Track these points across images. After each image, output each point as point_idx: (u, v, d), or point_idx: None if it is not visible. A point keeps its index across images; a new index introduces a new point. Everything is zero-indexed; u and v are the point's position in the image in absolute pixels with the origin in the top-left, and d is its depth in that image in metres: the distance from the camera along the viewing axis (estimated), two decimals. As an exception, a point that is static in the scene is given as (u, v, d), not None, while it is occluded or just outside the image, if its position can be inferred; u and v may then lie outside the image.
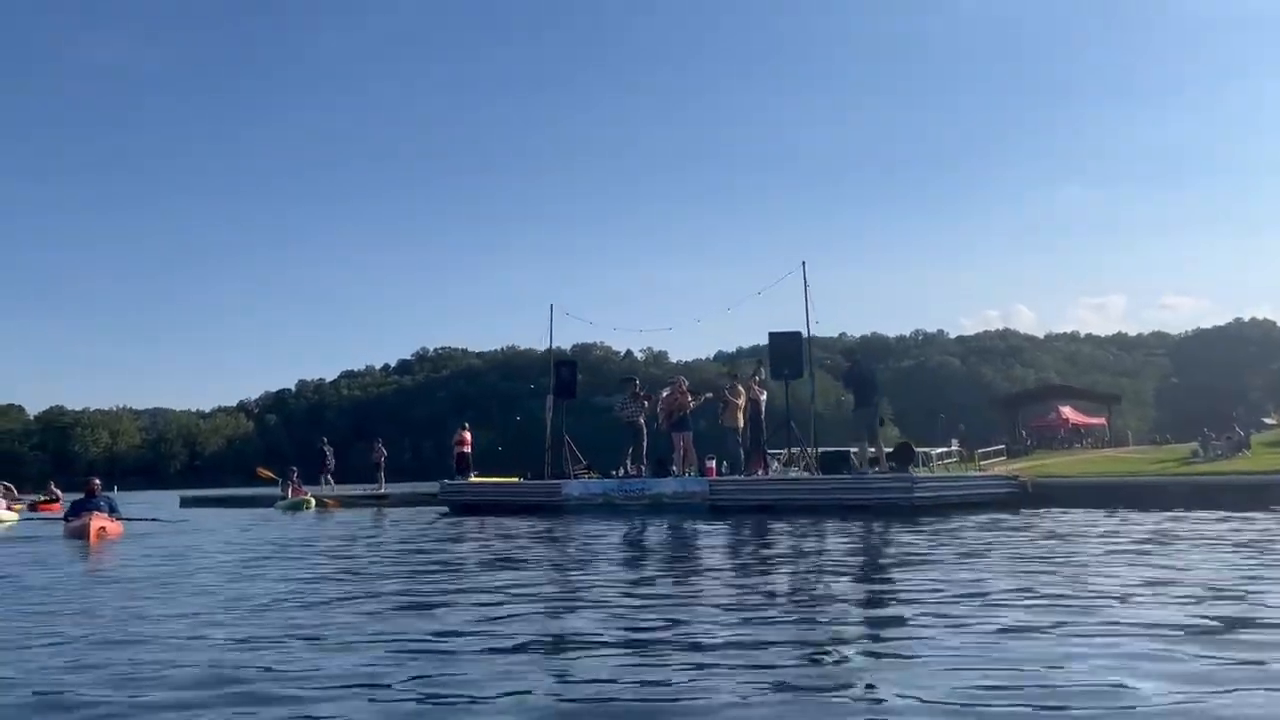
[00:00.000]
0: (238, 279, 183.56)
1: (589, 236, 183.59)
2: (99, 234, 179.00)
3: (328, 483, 25.75)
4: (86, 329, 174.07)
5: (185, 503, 28.53)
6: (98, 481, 15.04)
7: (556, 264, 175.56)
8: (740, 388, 17.13)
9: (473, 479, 19.61)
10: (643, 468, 17.52)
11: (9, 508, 24.35)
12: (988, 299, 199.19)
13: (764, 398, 17.45)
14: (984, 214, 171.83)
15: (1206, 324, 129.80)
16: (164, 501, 27.66)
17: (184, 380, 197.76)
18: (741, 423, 17.06)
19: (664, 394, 17.59)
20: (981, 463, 28.32)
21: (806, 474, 16.55)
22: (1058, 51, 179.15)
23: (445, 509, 18.82)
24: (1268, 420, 41.60)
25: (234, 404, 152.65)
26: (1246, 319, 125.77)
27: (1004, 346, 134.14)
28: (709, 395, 18.12)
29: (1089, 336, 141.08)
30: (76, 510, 14.39)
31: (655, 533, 11.54)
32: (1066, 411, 49.65)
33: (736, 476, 16.75)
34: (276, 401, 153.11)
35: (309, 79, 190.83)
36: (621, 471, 18.34)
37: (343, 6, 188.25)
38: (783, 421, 16.85)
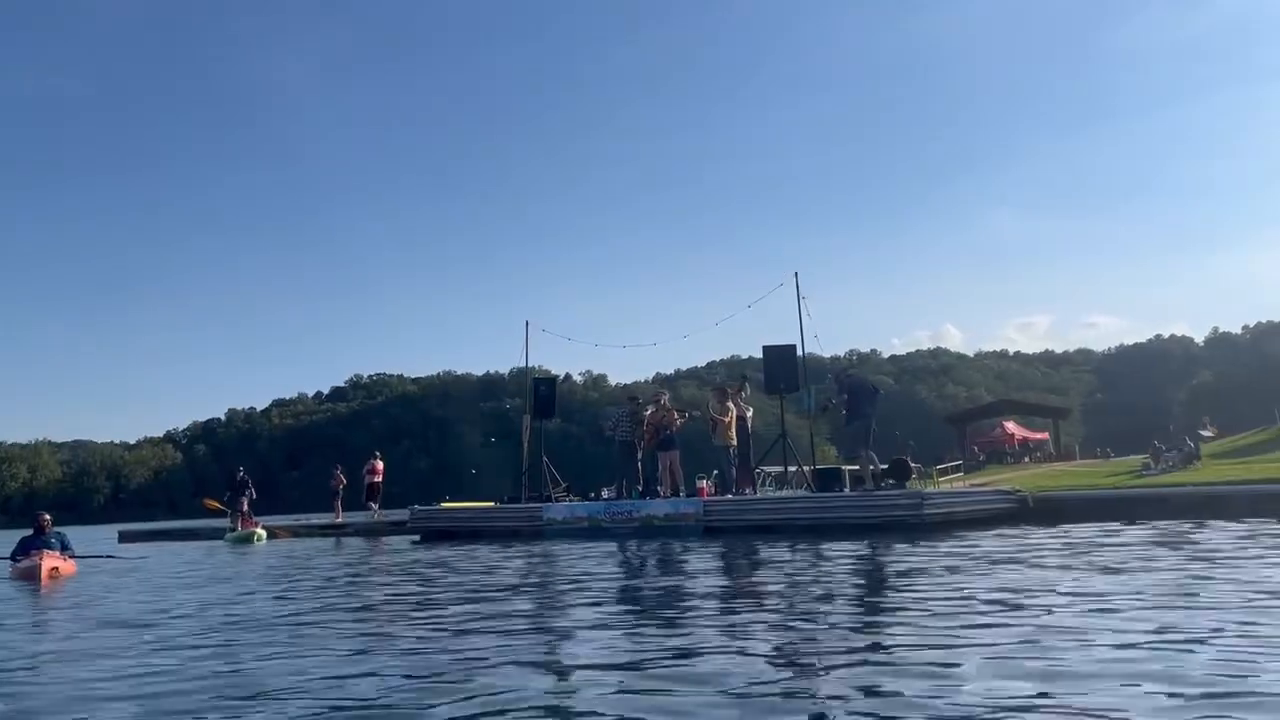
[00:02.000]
0: (162, 307, 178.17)
1: (531, 263, 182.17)
2: (13, 260, 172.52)
3: (246, 513, 24.06)
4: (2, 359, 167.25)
5: (124, 537, 26.85)
6: (48, 516, 13.70)
7: (495, 288, 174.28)
8: (729, 405, 16.50)
9: (444, 504, 18.57)
10: (636, 489, 16.69)
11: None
12: (918, 319, 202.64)
13: (750, 414, 16.85)
14: (913, 236, 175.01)
15: (1129, 341, 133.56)
16: (95, 538, 25.94)
17: (107, 411, 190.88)
18: (733, 440, 16.42)
19: (648, 412, 16.87)
20: (939, 480, 28.14)
21: (802, 492, 15.94)
22: (985, 79, 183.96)
23: (416, 537, 17.82)
24: (1204, 432, 42.40)
25: (161, 434, 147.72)
26: (1166, 335, 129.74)
27: (936, 365, 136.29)
28: (695, 413, 17.46)
29: (1017, 354, 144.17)
30: (25, 548, 13.06)
31: (663, 559, 10.76)
32: (1011, 427, 50.07)
33: (727, 496, 16.06)
34: (205, 431, 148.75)
35: (235, 104, 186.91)
36: (608, 494, 17.55)
37: (260, 33, 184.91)
38: (777, 438, 16.17)
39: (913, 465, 16.16)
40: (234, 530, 23.13)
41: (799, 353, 16.32)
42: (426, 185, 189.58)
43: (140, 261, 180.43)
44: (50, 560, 12.13)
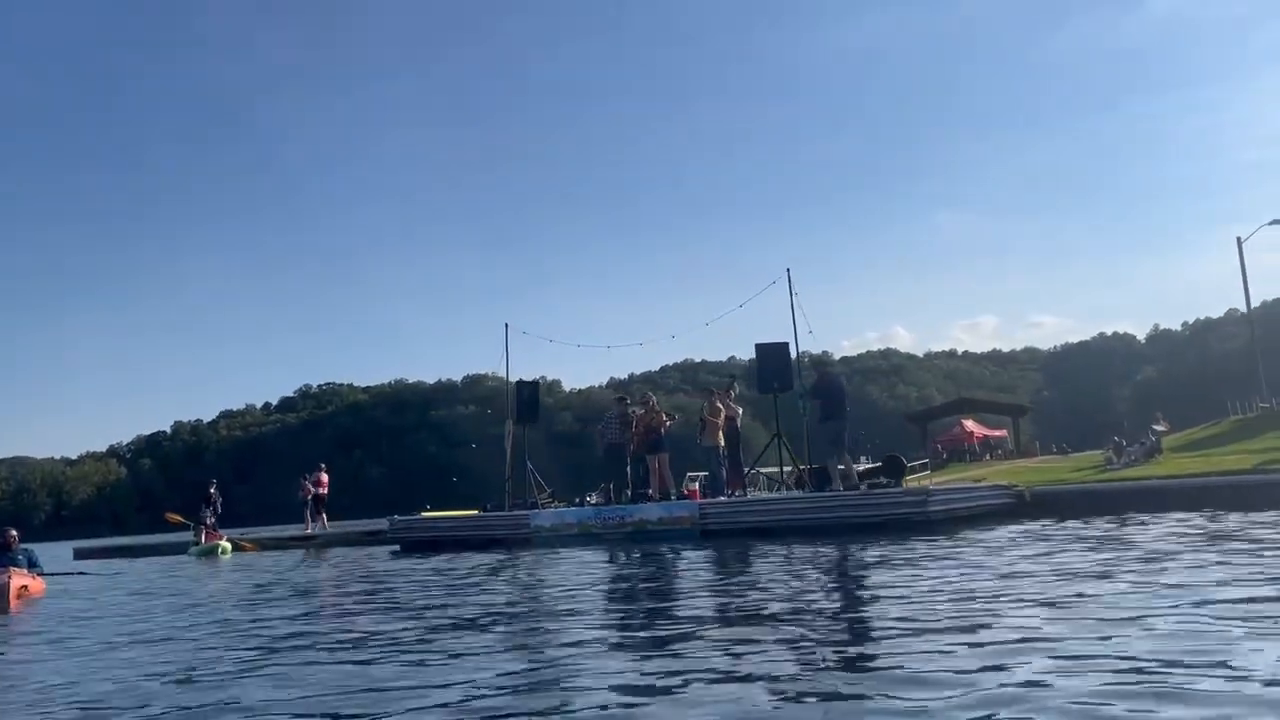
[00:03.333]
0: (103, 315, 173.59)
1: (486, 269, 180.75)
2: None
3: (211, 526, 23.35)
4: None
5: (80, 554, 25.79)
6: (14, 532, 12.87)
7: (446, 298, 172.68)
8: (718, 405, 16.16)
9: (425, 513, 17.99)
10: (626, 493, 16.25)
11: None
12: (866, 320, 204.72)
13: (740, 414, 16.53)
14: (860, 238, 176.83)
15: (1073, 339, 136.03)
16: (46, 556, 24.78)
17: (46, 427, 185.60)
18: (721, 441, 16.08)
19: (637, 414, 16.47)
20: (909, 478, 28.10)
21: (798, 492, 15.63)
22: (928, 82, 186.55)
23: (396, 547, 17.21)
24: (1156, 427, 43.08)
25: (104, 449, 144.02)
26: (1109, 333, 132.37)
27: (886, 365, 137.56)
28: (675, 417, 17.12)
29: (966, 354, 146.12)
30: (-10, 566, 12.30)
31: (673, 565, 10.36)
32: (970, 425, 50.42)
33: (720, 498, 15.69)
34: (150, 445, 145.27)
35: (182, 105, 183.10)
36: (595, 499, 17.11)
37: (217, 40, 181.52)
38: (772, 438, 15.82)
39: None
40: (198, 544, 22.34)
41: (793, 350, 16.04)
42: (380, 191, 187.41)
43: (78, 268, 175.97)
44: (19, 579, 11.38)
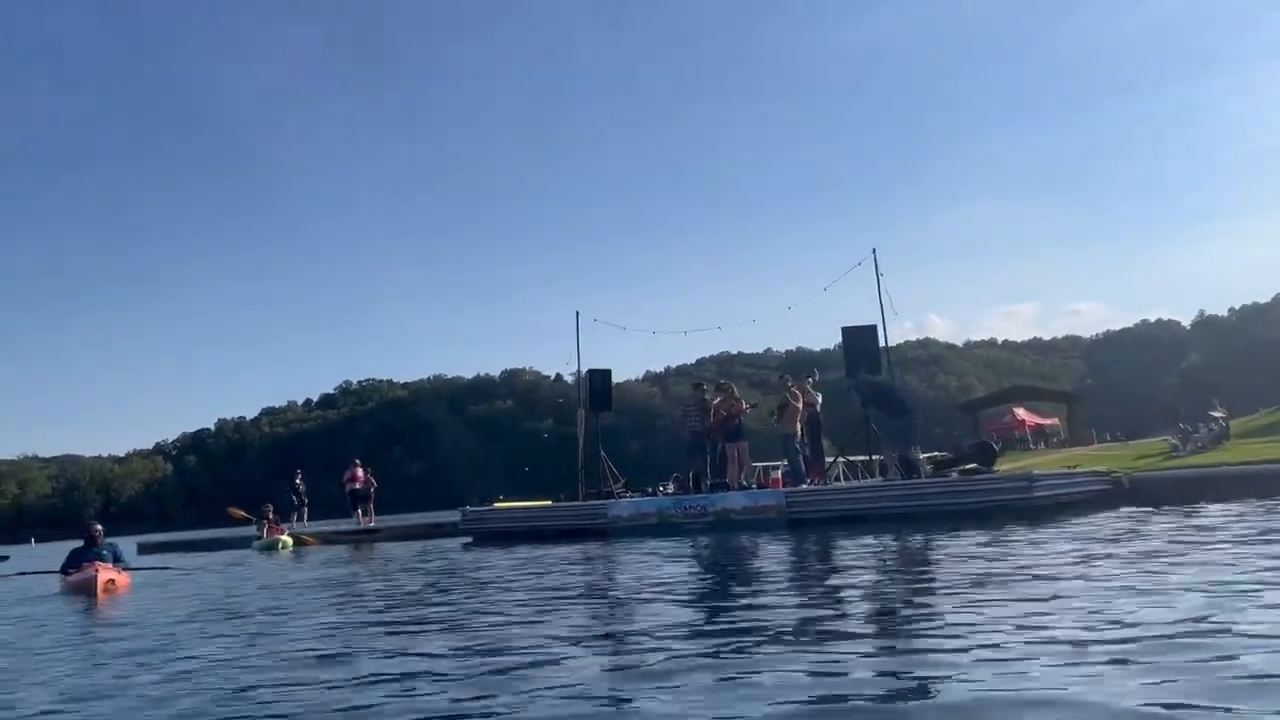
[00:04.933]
0: (149, 317, 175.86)
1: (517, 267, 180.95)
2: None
3: (273, 520, 23.31)
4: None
5: (143, 549, 25.74)
6: (99, 527, 12.72)
7: (482, 289, 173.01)
8: (797, 391, 15.69)
9: (498, 504, 17.65)
10: (706, 483, 15.81)
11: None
12: (902, 310, 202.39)
13: (820, 402, 16.04)
14: (895, 228, 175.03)
15: (1115, 327, 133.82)
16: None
17: (95, 425, 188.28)
18: (800, 429, 15.62)
19: (715, 401, 16.03)
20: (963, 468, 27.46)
21: (881, 479, 15.15)
22: (957, 72, 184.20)
23: (467, 539, 16.90)
24: (1215, 413, 42.06)
25: (150, 446, 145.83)
26: (1153, 320, 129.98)
27: (925, 355, 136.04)
28: (755, 403, 16.69)
29: (1006, 343, 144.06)
30: (76, 560, 12.12)
31: (788, 555, 9.92)
32: (1021, 413, 49.48)
33: (802, 486, 15.21)
34: (195, 442, 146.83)
35: (215, 114, 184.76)
36: (672, 488, 16.70)
37: (241, 50, 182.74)
38: (860, 425, 15.28)
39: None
40: (260, 538, 22.21)
41: (881, 334, 15.52)
42: (416, 189, 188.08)
43: (124, 272, 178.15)
44: (105, 573, 11.18)
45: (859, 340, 15.33)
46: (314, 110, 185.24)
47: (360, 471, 25.01)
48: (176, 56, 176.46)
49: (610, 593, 7.13)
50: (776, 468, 16.99)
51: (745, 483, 15.70)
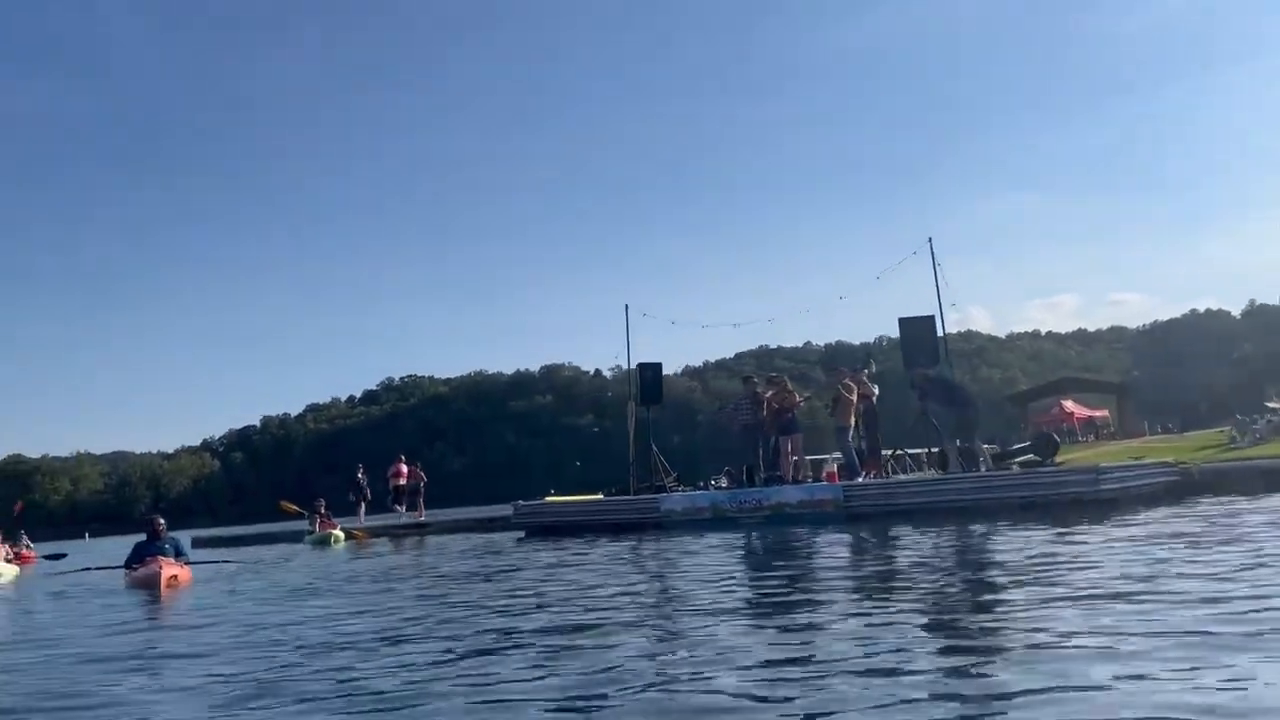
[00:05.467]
0: (194, 317, 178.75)
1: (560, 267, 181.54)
2: (45, 277, 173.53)
3: (325, 515, 23.47)
4: (38, 375, 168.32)
5: (197, 544, 26.06)
6: (162, 521, 12.80)
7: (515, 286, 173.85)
8: (851, 383, 15.46)
9: (550, 498, 17.63)
10: (759, 476, 15.64)
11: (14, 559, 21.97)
12: (948, 301, 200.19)
13: (876, 393, 15.80)
14: (930, 221, 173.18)
15: (1162, 317, 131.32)
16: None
17: (145, 422, 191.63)
18: (855, 421, 15.38)
19: (768, 394, 15.84)
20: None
21: (939, 473, 14.87)
22: (994, 62, 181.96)
23: (520, 534, 16.86)
24: (1270, 404, 41.06)
25: (198, 443, 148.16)
26: (1201, 310, 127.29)
27: (968, 348, 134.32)
28: (808, 396, 16.48)
29: (1050, 334, 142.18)
30: (139, 554, 12.21)
31: (850, 548, 9.74)
32: (1069, 405, 48.69)
33: (858, 480, 14.98)
34: (241, 439, 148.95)
35: (250, 110, 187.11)
36: (725, 482, 16.57)
37: (280, 37, 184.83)
38: (917, 417, 15.01)
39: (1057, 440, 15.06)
40: (313, 532, 22.38)
41: (938, 325, 15.23)
42: (454, 187, 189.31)
43: (168, 272, 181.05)
44: (169, 568, 11.26)
45: (916, 331, 15.06)
46: (370, 100, 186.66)
47: (404, 467, 25.21)
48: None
49: (720, 583, 6.95)
50: (830, 461, 16.76)
51: (800, 476, 15.52)
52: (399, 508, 24.77)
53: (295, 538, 23.47)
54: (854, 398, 15.27)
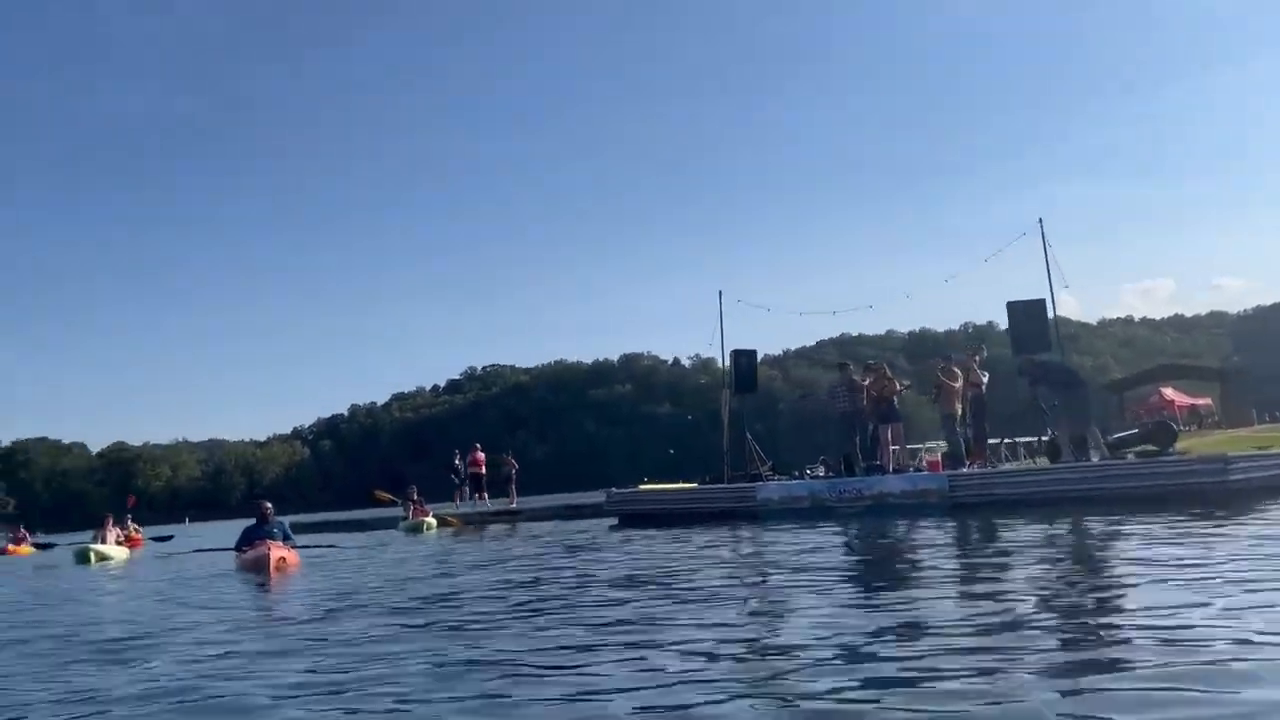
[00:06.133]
0: (280, 308, 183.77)
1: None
2: (145, 274, 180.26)
3: (418, 501, 23.71)
4: (140, 363, 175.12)
5: (294, 529, 26.64)
6: (269, 505, 13.08)
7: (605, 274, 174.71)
8: (956, 369, 15.01)
9: (643, 486, 17.56)
10: (859, 465, 15.31)
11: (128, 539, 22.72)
12: (1029, 291, 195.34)
13: (985, 381, 15.29)
14: (1011, 209, 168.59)
15: (1265, 301, 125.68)
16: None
17: (238, 410, 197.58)
18: (959, 409, 14.93)
19: (867, 382, 15.49)
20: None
21: (1049, 461, 14.34)
22: (1078, 44, 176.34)
23: (613, 521, 16.81)
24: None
25: (288, 431, 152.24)
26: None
27: (1061, 334, 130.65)
28: (908, 384, 16.08)
29: (1144, 320, 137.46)
30: (249, 538, 12.48)
31: (980, 539, 9.39)
32: (1169, 393, 46.85)
33: (963, 470, 14.54)
34: (329, 427, 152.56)
35: (334, 105, 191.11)
36: (822, 471, 16.29)
37: (337, 35, 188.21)
38: (1029, 405, 14.49)
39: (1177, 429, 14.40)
40: (406, 519, 22.68)
41: (1049, 308, 14.66)
42: (531, 180, 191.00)
43: (260, 264, 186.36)
44: (277, 550, 11.45)
45: (1026, 315, 14.51)
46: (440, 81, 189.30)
47: (481, 455, 25.44)
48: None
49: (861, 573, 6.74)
50: (929, 449, 16.34)
51: (902, 464, 15.14)
52: (480, 496, 25.01)
53: (387, 524, 23.85)
54: (958, 384, 14.83)
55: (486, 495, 25.33)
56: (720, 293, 18.19)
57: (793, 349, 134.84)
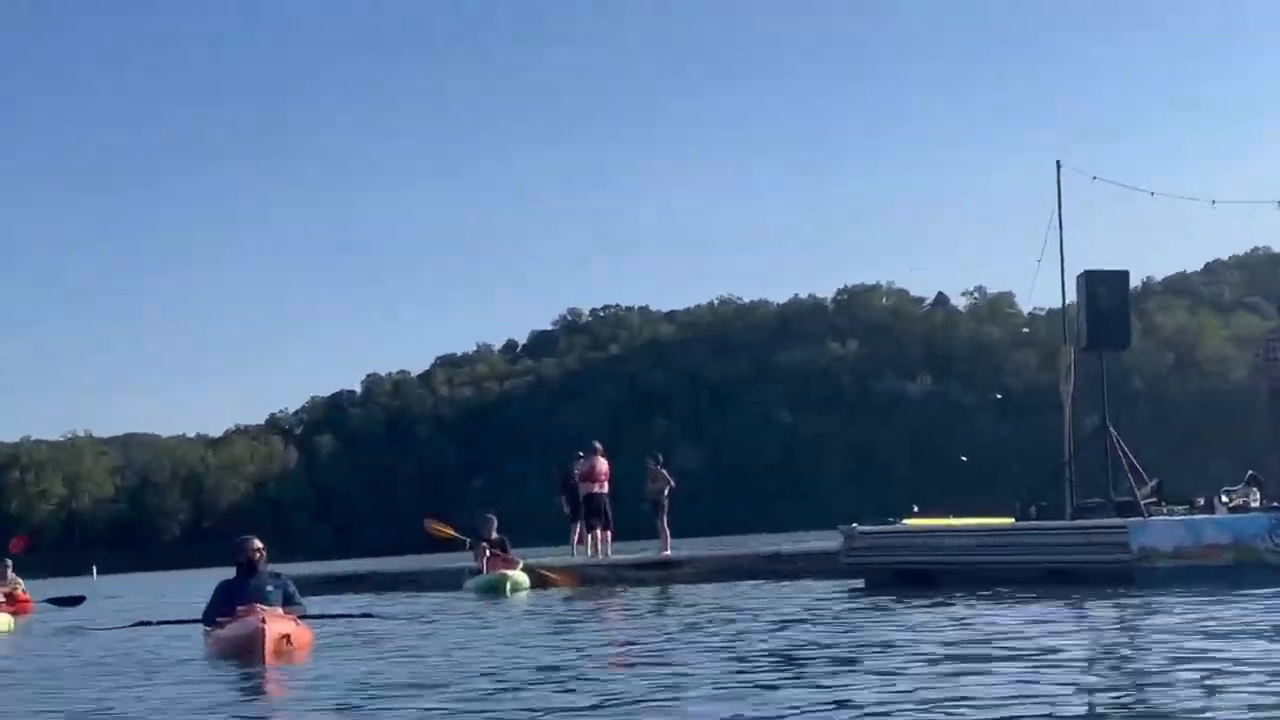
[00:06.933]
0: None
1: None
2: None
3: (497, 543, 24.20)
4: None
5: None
6: (260, 547, 13.31)
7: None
8: None
9: (910, 521, 17.38)
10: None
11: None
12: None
13: None
14: None
15: None
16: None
17: (174, 386, 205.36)
18: None
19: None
20: None
21: None
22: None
23: (857, 582, 16.68)
24: None
25: (262, 421, 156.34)
26: None
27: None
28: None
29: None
30: (229, 597, 12.66)
31: None
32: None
33: None
34: (330, 412, 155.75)
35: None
36: (1253, 497, 15.92)
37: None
38: None
39: None
40: (478, 572, 23.11)
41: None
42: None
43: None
44: (276, 622, 11.60)
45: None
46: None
47: (604, 464, 25.53)
48: None
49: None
50: None
51: None
52: (603, 533, 25.17)
53: (446, 580, 24.28)
54: None
55: (610, 532, 25.57)
56: (1058, 163, 17.68)
57: (1158, 277, 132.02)
